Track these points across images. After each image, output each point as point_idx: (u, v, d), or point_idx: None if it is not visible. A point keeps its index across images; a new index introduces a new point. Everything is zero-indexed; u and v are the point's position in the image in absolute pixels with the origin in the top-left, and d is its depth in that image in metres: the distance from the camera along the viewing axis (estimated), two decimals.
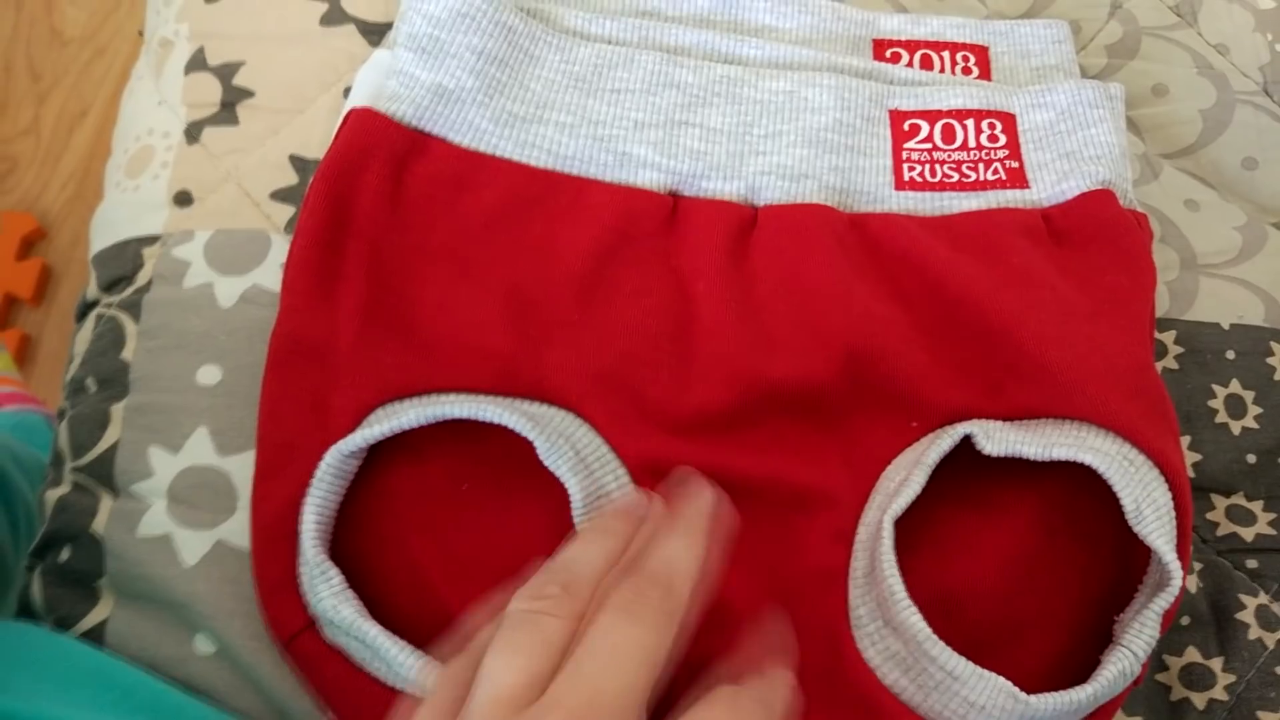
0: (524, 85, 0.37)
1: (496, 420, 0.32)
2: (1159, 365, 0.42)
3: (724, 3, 0.42)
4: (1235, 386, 0.42)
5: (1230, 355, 0.42)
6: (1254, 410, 0.42)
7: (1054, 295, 0.36)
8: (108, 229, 0.42)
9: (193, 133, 0.41)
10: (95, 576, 0.37)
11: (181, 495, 0.37)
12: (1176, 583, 0.32)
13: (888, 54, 0.43)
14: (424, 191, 0.35)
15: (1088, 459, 0.32)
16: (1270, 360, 0.42)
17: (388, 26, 0.42)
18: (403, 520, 0.34)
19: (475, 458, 0.35)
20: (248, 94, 0.42)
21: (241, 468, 0.37)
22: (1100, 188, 0.38)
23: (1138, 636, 0.32)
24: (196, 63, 0.42)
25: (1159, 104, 0.48)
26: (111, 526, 0.36)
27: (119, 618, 0.36)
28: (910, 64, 0.42)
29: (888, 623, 0.32)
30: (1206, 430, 0.41)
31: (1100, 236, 0.37)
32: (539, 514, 0.34)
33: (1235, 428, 0.41)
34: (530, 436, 0.32)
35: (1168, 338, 0.42)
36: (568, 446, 0.32)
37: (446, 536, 0.34)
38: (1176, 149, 0.47)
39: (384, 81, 0.36)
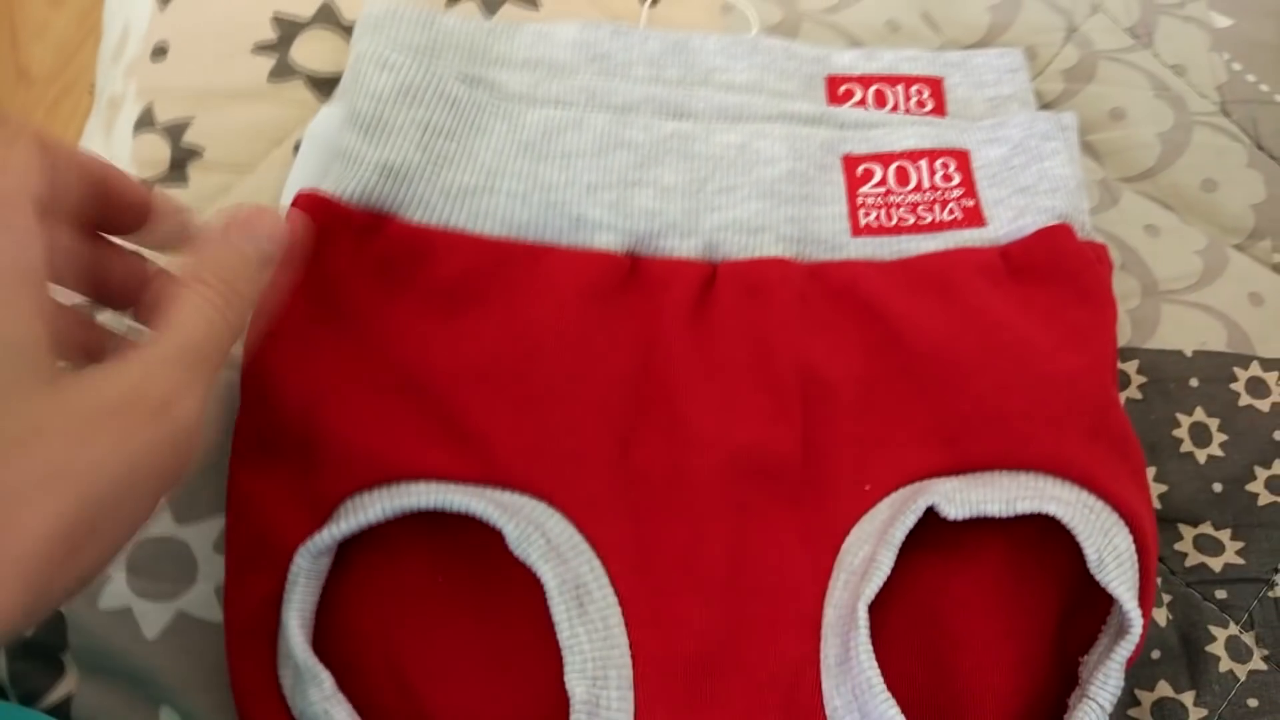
0: (472, 155, 0.36)
1: (464, 509, 0.31)
2: (1122, 395, 0.42)
3: (674, 46, 0.41)
4: (1200, 414, 0.42)
5: (1194, 383, 0.42)
6: (1219, 438, 0.42)
7: (1013, 336, 0.36)
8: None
9: None
10: (59, 649, 0.36)
11: (141, 566, 0.36)
12: (1136, 631, 0.31)
13: (841, 90, 0.43)
14: (378, 273, 0.35)
15: (1051, 509, 0.32)
16: (1234, 386, 0.42)
17: (337, 79, 0.42)
18: (377, 616, 0.34)
19: (450, 550, 0.34)
20: (197, 153, 0.41)
21: (200, 536, 0.36)
22: (1057, 222, 0.37)
23: (1103, 688, 0.31)
24: (145, 120, 0.42)
25: (1117, 128, 0.48)
26: (73, 599, 0.36)
27: (85, 691, 0.36)
28: (864, 100, 0.42)
29: (865, 714, 0.31)
30: (1172, 460, 0.41)
31: (1059, 273, 0.37)
32: (518, 605, 0.34)
33: (1201, 456, 0.41)
34: (499, 525, 0.31)
35: (1130, 367, 0.42)
36: (539, 535, 0.32)
37: (423, 631, 0.34)
38: (1135, 173, 0.47)
39: (331, 154, 0.35)
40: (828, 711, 0.32)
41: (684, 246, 0.36)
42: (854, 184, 0.38)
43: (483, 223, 0.36)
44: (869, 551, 0.33)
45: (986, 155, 0.39)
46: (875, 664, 0.31)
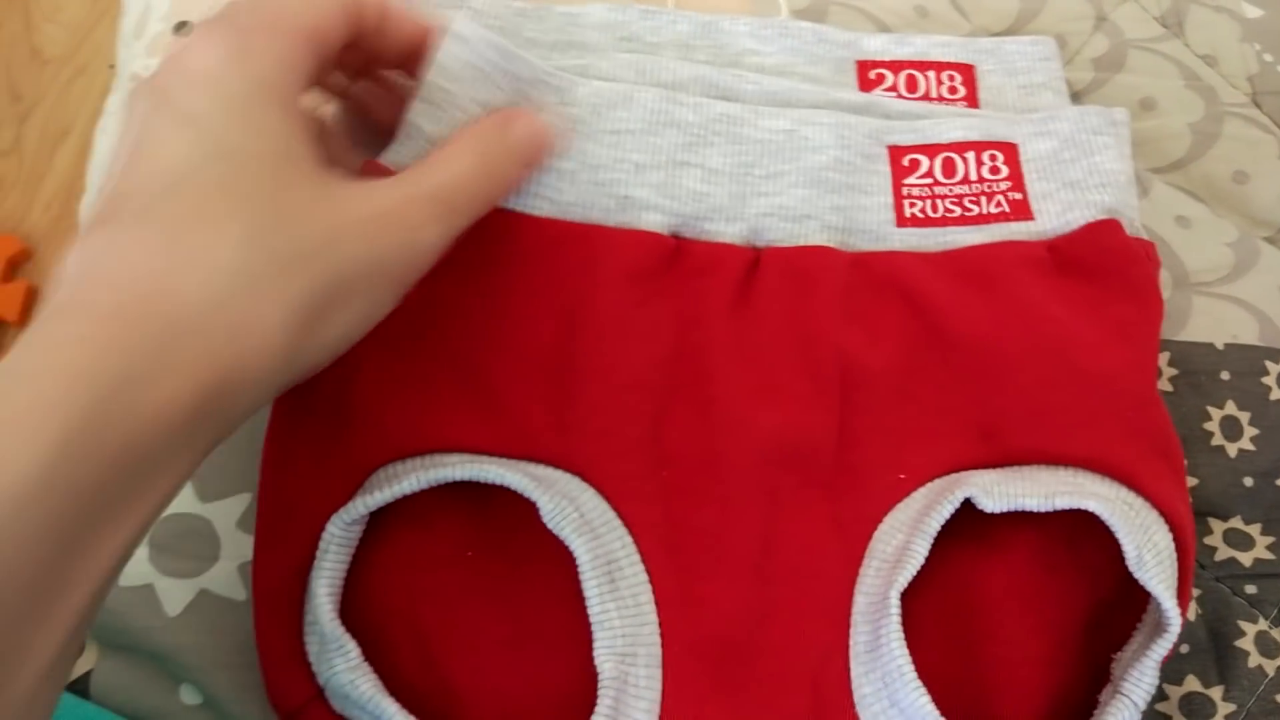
0: None
1: (499, 481, 0.31)
2: None
3: (704, 27, 0.41)
4: (1231, 408, 0.41)
5: (1225, 376, 0.42)
6: (1250, 432, 0.41)
7: (1057, 330, 0.35)
8: None
9: None
10: None
11: (163, 543, 0.36)
12: (1174, 629, 0.31)
13: (871, 75, 0.42)
14: None
15: (1091, 505, 0.32)
16: (1265, 380, 0.42)
17: None
18: (407, 588, 0.33)
19: (481, 523, 0.34)
20: None
21: (223, 514, 0.36)
22: (1106, 217, 0.37)
23: (1137, 685, 0.31)
24: None
25: (1147, 118, 0.47)
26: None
27: (104, 668, 0.36)
28: (895, 85, 0.42)
29: (894, 703, 0.31)
30: (1202, 454, 0.41)
31: (1107, 267, 0.37)
32: (547, 581, 0.33)
33: (1231, 450, 0.41)
34: (534, 497, 0.31)
35: (1162, 360, 0.42)
36: (572, 509, 0.31)
37: (452, 605, 0.34)
38: (1166, 163, 0.46)
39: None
40: (856, 698, 0.32)
41: (729, 231, 0.36)
42: (900, 174, 0.38)
43: (530, 202, 0.35)
44: (902, 540, 0.32)
45: (1035, 149, 0.38)
46: (906, 651, 0.31)
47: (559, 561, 0.31)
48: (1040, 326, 0.35)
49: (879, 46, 0.42)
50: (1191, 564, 0.33)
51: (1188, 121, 0.47)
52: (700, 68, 0.39)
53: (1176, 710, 0.37)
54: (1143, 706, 0.31)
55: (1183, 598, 0.32)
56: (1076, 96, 0.47)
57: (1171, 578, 0.32)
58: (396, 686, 0.31)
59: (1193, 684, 0.37)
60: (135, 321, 0.23)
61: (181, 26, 0.43)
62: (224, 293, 0.24)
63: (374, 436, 0.32)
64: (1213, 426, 0.41)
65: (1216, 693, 0.37)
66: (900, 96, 0.42)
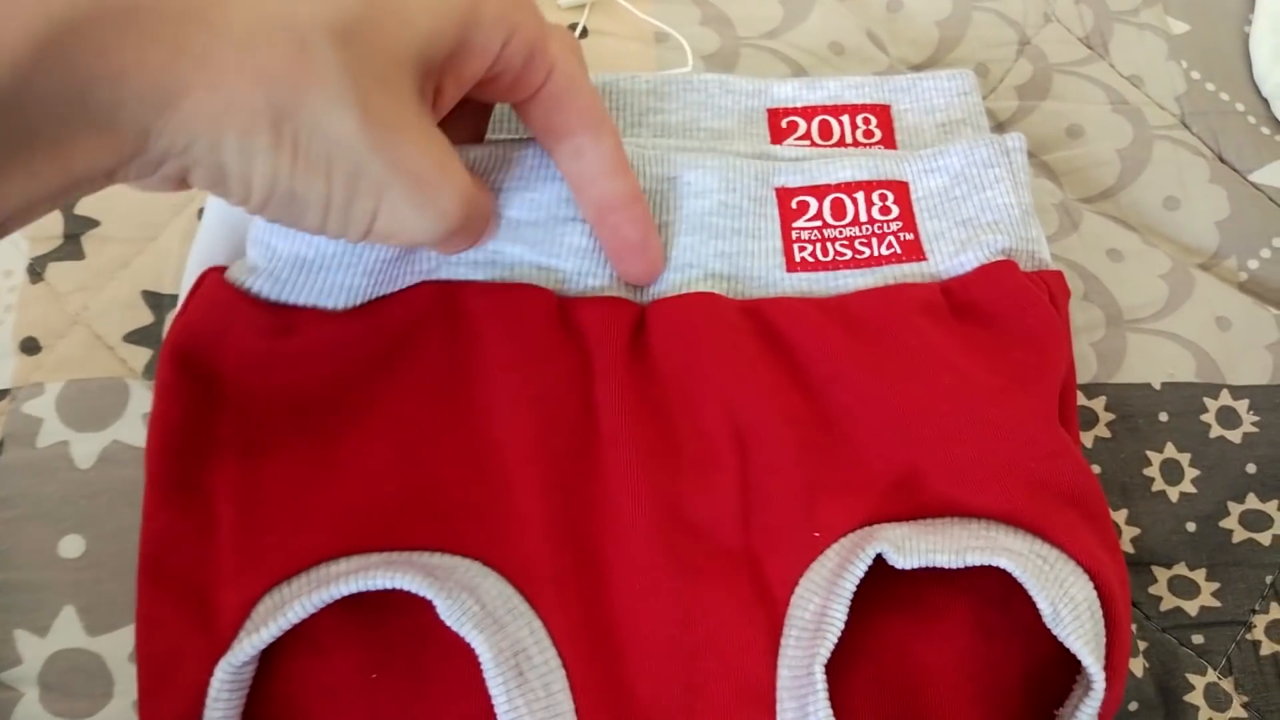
0: None
1: (390, 585, 0.29)
2: (1091, 434, 0.40)
3: (602, 89, 0.39)
4: (1170, 450, 0.40)
5: (1163, 417, 0.41)
6: (1191, 473, 0.40)
7: (956, 380, 0.34)
8: None
9: (36, 269, 0.38)
10: None
11: (54, 683, 0.34)
12: (1099, 687, 0.30)
13: (783, 123, 0.40)
14: (296, 357, 0.32)
15: (1001, 562, 0.30)
16: (1204, 418, 0.41)
17: None
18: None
19: (382, 636, 0.32)
20: (92, 223, 0.38)
21: (114, 647, 0.34)
22: (1000, 259, 0.36)
23: None
24: None
25: (1074, 146, 0.46)
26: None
27: None
28: (808, 133, 0.40)
29: None
30: (1144, 501, 0.39)
31: (1003, 311, 0.35)
32: (458, 687, 0.31)
33: (1173, 494, 0.40)
34: (429, 595, 0.29)
35: (1098, 404, 0.41)
36: (472, 601, 0.29)
37: None
38: (1095, 192, 0.45)
39: (234, 222, 0.32)
40: None
41: (613, 286, 0.34)
42: (788, 217, 0.36)
43: (405, 280, 0.33)
44: (819, 604, 0.31)
45: (926, 186, 0.37)
46: None
47: (469, 660, 0.29)
48: (940, 375, 0.33)
49: (789, 93, 0.40)
50: (1124, 614, 0.31)
51: (1116, 148, 0.46)
52: None
53: None
54: None
55: (1118, 648, 0.31)
56: (1001, 126, 0.46)
57: (1092, 631, 0.30)
58: None
59: None
60: None
61: None
62: None
63: (254, 566, 0.30)
64: (1153, 472, 0.40)
65: None
66: (814, 144, 0.40)
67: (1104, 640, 0.31)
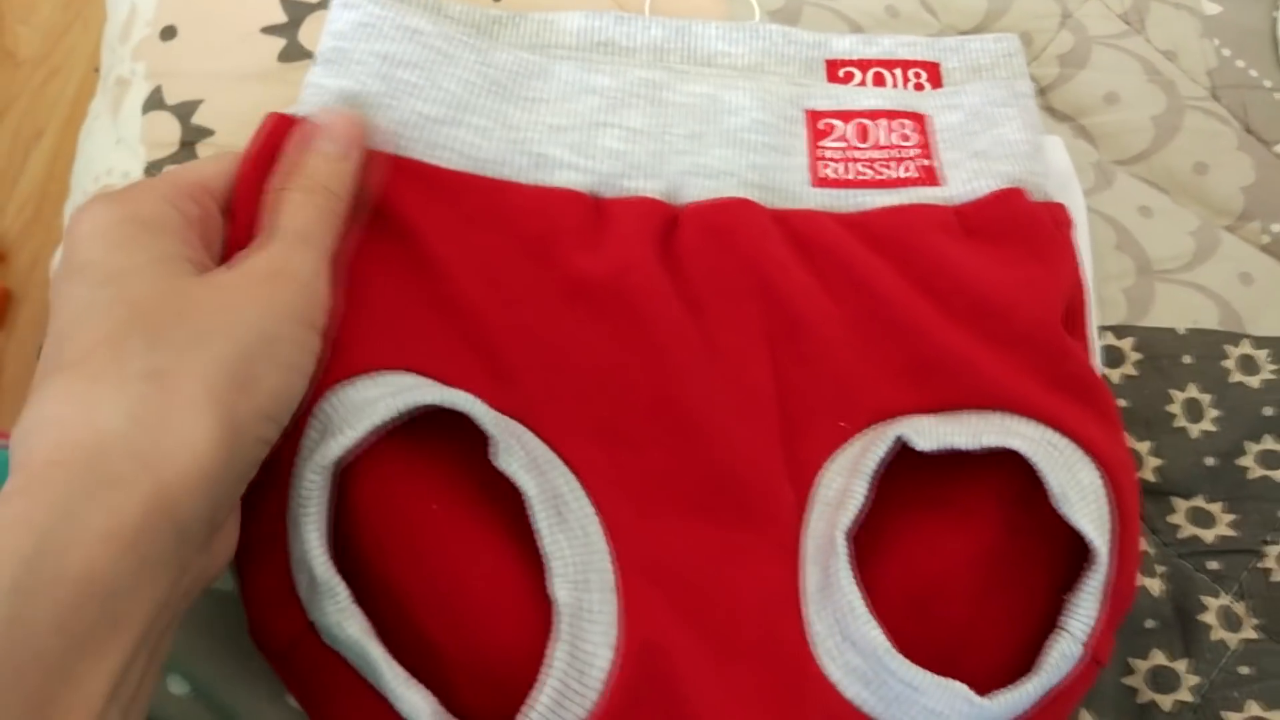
0: (439, 85, 0.37)
1: (466, 409, 0.32)
2: (1118, 371, 0.43)
3: (677, 32, 0.42)
4: (1193, 390, 0.43)
5: (1187, 360, 0.43)
6: (1211, 413, 0.43)
7: (971, 290, 0.37)
8: None
9: (153, 172, 0.41)
10: None
11: None
12: (1103, 559, 0.32)
13: (841, 73, 0.43)
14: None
15: (1014, 444, 0.33)
16: (1225, 363, 0.43)
17: None
18: (374, 541, 0.33)
19: (439, 477, 0.34)
20: (207, 132, 0.42)
21: None
22: (1010, 186, 0.39)
23: (1074, 617, 0.33)
24: (154, 101, 0.42)
25: (1111, 112, 0.48)
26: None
27: None
28: (863, 82, 0.43)
29: (847, 638, 0.32)
30: (1166, 435, 0.42)
31: (1012, 231, 0.38)
32: (507, 525, 0.34)
33: (1194, 431, 0.42)
34: (491, 431, 0.32)
35: (1126, 344, 0.43)
36: (518, 447, 0.32)
37: (419, 557, 0.34)
38: (1129, 155, 0.48)
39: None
40: (810, 636, 0.33)
41: (648, 187, 0.37)
42: (815, 137, 0.39)
43: (439, 153, 0.36)
44: (843, 483, 0.34)
45: (944, 120, 0.40)
46: (856, 589, 0.32)
47: (518, 510, 0.32)
48: (954, 285, 0.37)
49: (847, 46, 0.44)
50: (1133, 504, 0.34)
51: (1150, 115, 0.49)
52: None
53: (1143, 683, 0.38)
54: (1081, 638, 0.32)
55: (1128, 537, 0.33)
56: (1042, 92, 0.49)
57: (1099, 513, 0.33)
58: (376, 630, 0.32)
59: (1159, 658, 0.39)
60: (66, 461, 0.24)
61: (169, 32, 0.43)
62: (136, 404, 0.25)
63: (334, 367, 0.32)
64: (1175, 409, 0.42)
65: (1181, 665, 0.39)
66: None
67: (1108, 524, 0.34)
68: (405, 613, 0.33)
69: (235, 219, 0.33)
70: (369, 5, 0.37)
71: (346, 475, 0.33)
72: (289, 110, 0.35)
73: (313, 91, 0.36)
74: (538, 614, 0.32)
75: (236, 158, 0.33)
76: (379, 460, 0.33)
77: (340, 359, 0.33)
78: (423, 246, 0.35)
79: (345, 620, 0.30)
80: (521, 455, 0.32)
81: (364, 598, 0.32)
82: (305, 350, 0.30)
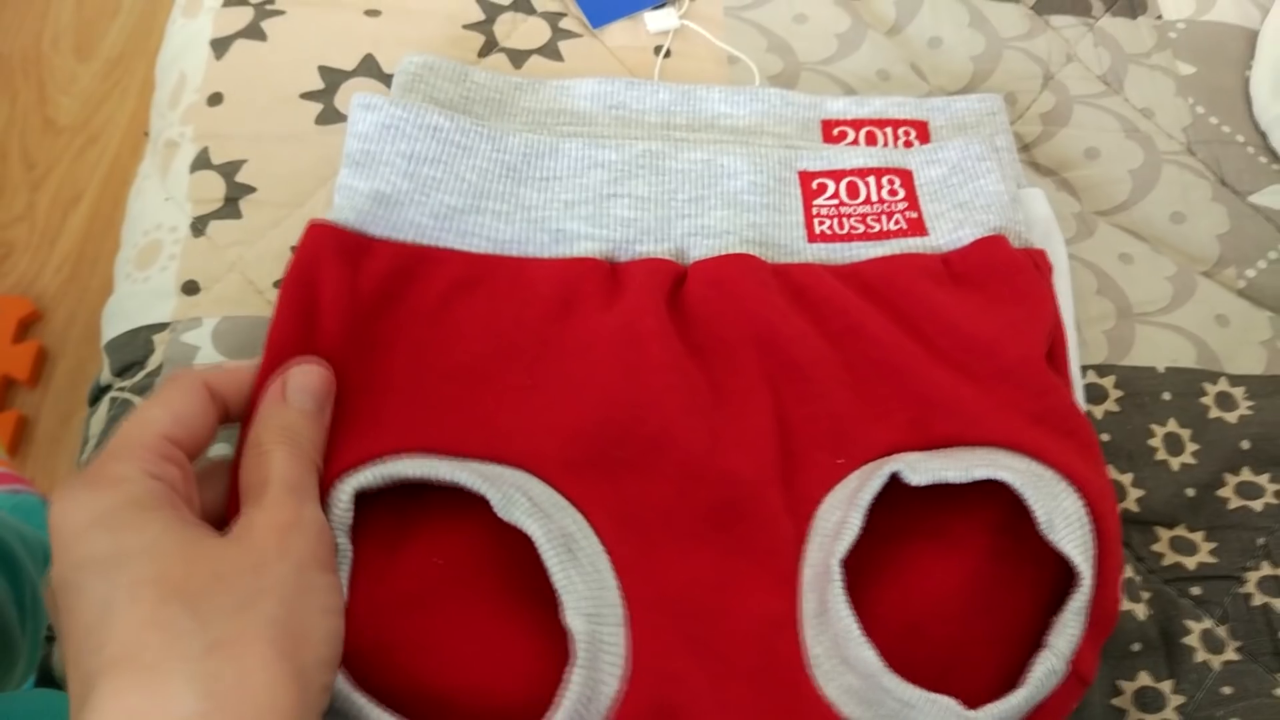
0: (459, 177, 0.40)
1: (449, 478, 0.34)
2: (1100, 408, 0.45)
3: (683, 95, 0.46)
4: (1173, 425, 0.45)
5: (1166, 396, 0.46)
6: (1191, 447, 0.45)
7: (958, 333, 0.39)
8: (119, 318, 0.44)
9: (198, 226, 0.45)
10: None
11: None
12: (1086, 581, 0.34)
13: (835, 132, 0.47)
14: (376, 289, 0.38)
15: (1003, 476, 0.35)
16: (1203, 400, 0.46)
17: None
18: (378, 600, 0.35)
19: (446, 541, 0.36)
20: (250, 189, 0.45)
21: None
22: (992, 234, 0.42)
23: (1060, 636, 0.34)
24: (201, 162, 0.46)
25: (1091, 166, 0.52)
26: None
27: None
28: (856, 141, 0.46)
29: (843, 660, 0.34)
30: (1148, 467, 0.44)
31: (996, 276, 0.41)
32: (511, 576, 0.36)
33: (1174, 464, 0.45)
34: (482, 490, 0.33)
35: (1108, 382, 0.46)
36: (521, 496, 0.34)
37: (425, 616, 0.35)
38: (1110, 207, 0.51)
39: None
40: (808, 660, 0.35)
41: (658, 250, 0.40)
42: (809, 196, 0.42)
43: (469, 241, 0.39)
44: (840, 515, 0.36)
45: (927, 174, 0.43)
46: (852, 614, 0.34)
47: (522, 557, 0.34)
48: (943, 327, 0.39)
49: (841, 107, 0.47)
50: (1114, 529, 0.36)
51: (1128, 168, 0.52)
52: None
53: (1130, 704, 0.40)
54: (1067, 655, 0.34)
55: (1109, 561, 0.35)
56: (1026, 148, 0.52)
57: (1082, 538, 0.35)
58: (374, 693, 0.33)
59: (1145, 679, 0.41)
60: None
61: (216, 98, 0.47)
62: (210, 681, 0.25)
63: (331, 459, 0.34)
64: (1156, 442, 0.45)
65: (1167, 686, 0.41)
66: None
67: (1091, 548, 0.36)
68: (410, 664, 0.35)
69: (273, 338, 0.36)
70: (389, 107, 0.39)
71: (359, 551, 0.35)
72: (327, 217, 0.38)
73: (345, 194, 0.38)
74: (540, 659, 0.34)
75: (237, 368, 0.34)
76: (385, 524, 0.35)
77: (353, 448, 0.35)
78: (447, 327, 0.38)
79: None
80: (525, 504, 0.34)
81: (367, 660, 0.33)
82: (335, 592, 0.31)
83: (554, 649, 0.34)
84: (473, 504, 0.34)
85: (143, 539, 0.27)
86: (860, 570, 0.36)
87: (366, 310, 0.37)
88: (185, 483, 0.31)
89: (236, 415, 0.34)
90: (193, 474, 0.31)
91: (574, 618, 0.33)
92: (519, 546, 0.34)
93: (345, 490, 0.33)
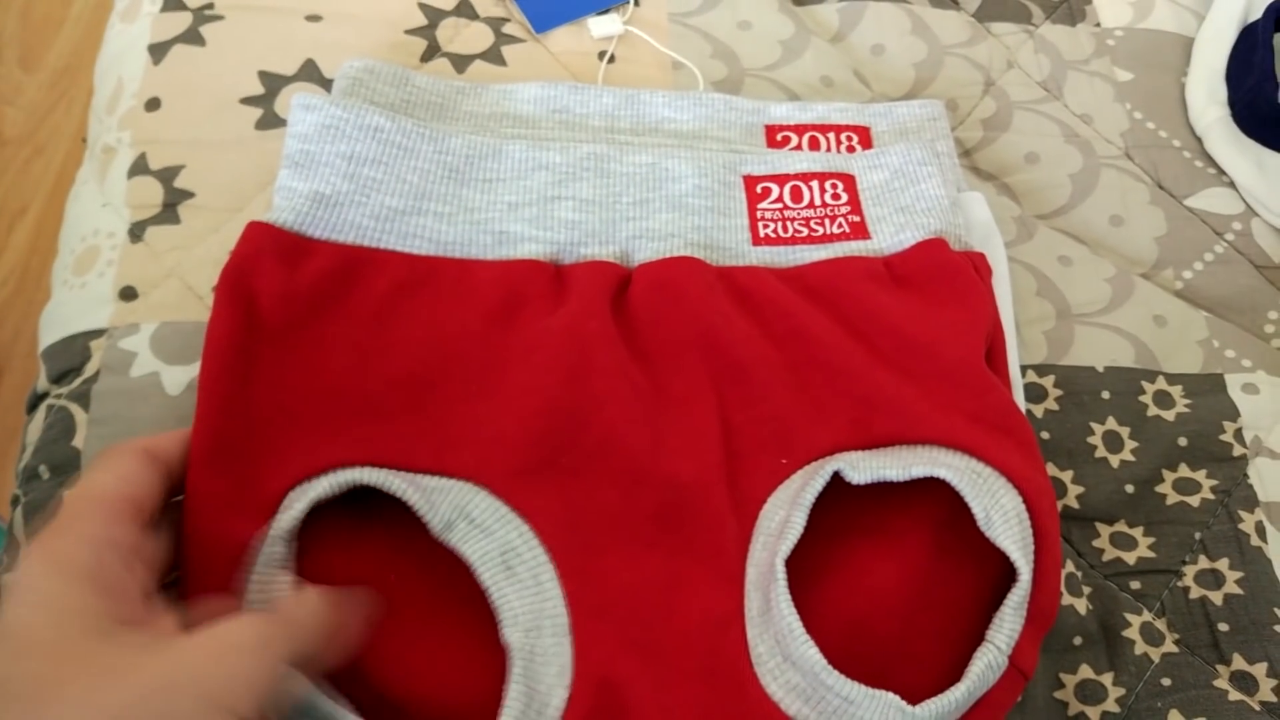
0: (400, 178, 0.39)
1: (384, 485, 0.34)
2: (1040, 407, 0.46)
3: (627, 99, 0.46)
4: (1111, 423, 0.46)
5: (1105, 395, 0.46)
6: (1130, 444, 0.46)
7: (900, 334, 0.40)
8: (56, 325, 0.44)
9: (136, 232, 0.44)
10: None
11: None
12: (1025, 576, 0.35)
13: (779, 137, 0.47)
14: (315, 289, 0.37)
15: (941, 473, 0.36)
16: (1142, 398, 0.47)
17: None
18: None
19: (399, 548, 0.36)
20: (189, 195, 0.45)
21: None
22: (933, 237, 0.42)
23: (999, 630, 0.35)
24: (139, 167, 0.45)
25: (1031, 170, 0.52)
26: None
27: None
28: (799, 145, 0.47)
29: (787, 658, 0.34)
30: (1088, 465, 0.45)
31: (936, 278, 0.42)
32: (462, 586, 0.35)
33: (1114, 461, 0.45)
34: (413, 503, 0.33)
35: (1047, 382, 0.46)
36: (459, 518, 0.34)
37: (385, 626, 0.35)
38: (1049, 210, 0.52)
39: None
40: (753, 658, 0.35)
41: (602, 252, 0.40)
42: (754, 200, 0.43)
43: (411, 243, 0.39)
44: (784, 515, 0.36)
45: (870, 179, 0.44)
46: (794, 612, 0.34)
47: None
48: (884, 328, 0.40)
49: (784, 113, 0.47)
50: (1052, 525, 0.37)
51: (1068, 173, 0.53)
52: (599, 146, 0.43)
53: (1072, 696, 0.41)
54: (1006, 650, 0.35)
55: (1047, 556, 0.36)
56: (967, 153, 0.53)
57: (1021, 535, 0.36)
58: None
59: (1086, 672, 0.41)
60: None
61: (153, 103, 0.47)
62: None
63: (284, 467, 0.35)
64: (1095, 440, 0.45)
65: (1107, 678, 0.41)
66: None
67: (1031, 545, 0.36)
68: (368, 675, 0.34)
69: (211, 337, 0.35)
70: (329, 107, 0.39)
71: (310, 551, 0.35)
72: (265, 218, 0.37)
73: (284, 195, 0.38)
74: (493, 670, 0.34)
75: (173, 433, 0.34)
76: (336, 541, 0.35)
77: (303, 457, 0.35)
78: (390, 331, 0.37)
79: (293, 684, 0.31)
80: (463, 526, 0.34)
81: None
82: None
83: (501, 663, 0.34)
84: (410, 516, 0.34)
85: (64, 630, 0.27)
86: (804, 568, 0.36)
87: (305, 310, 0.37)
88: (136, 543, 0.30)
89: (179, 479, 0.34)
90: (147, 534, 0.31)
91: (510, 632, 0.33)
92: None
93: (299, 504, 0.33)
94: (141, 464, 0.32)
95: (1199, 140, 0.55)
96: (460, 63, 0.50)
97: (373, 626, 0.34)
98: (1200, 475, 0.45)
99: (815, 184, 0.44)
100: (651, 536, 0.37)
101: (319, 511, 0.34)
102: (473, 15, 0.51)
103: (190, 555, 0.34)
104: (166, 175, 0.45)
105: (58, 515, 0.30)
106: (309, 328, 0.37)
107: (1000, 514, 0.36)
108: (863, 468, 0.36)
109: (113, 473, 0.31)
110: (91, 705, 0.25)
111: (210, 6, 0.49)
